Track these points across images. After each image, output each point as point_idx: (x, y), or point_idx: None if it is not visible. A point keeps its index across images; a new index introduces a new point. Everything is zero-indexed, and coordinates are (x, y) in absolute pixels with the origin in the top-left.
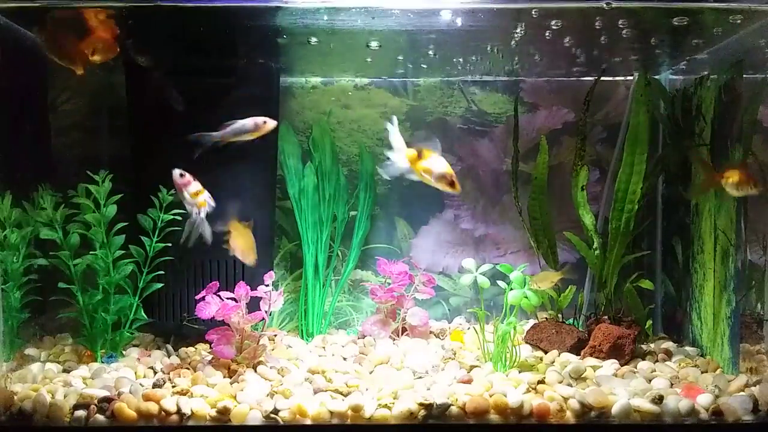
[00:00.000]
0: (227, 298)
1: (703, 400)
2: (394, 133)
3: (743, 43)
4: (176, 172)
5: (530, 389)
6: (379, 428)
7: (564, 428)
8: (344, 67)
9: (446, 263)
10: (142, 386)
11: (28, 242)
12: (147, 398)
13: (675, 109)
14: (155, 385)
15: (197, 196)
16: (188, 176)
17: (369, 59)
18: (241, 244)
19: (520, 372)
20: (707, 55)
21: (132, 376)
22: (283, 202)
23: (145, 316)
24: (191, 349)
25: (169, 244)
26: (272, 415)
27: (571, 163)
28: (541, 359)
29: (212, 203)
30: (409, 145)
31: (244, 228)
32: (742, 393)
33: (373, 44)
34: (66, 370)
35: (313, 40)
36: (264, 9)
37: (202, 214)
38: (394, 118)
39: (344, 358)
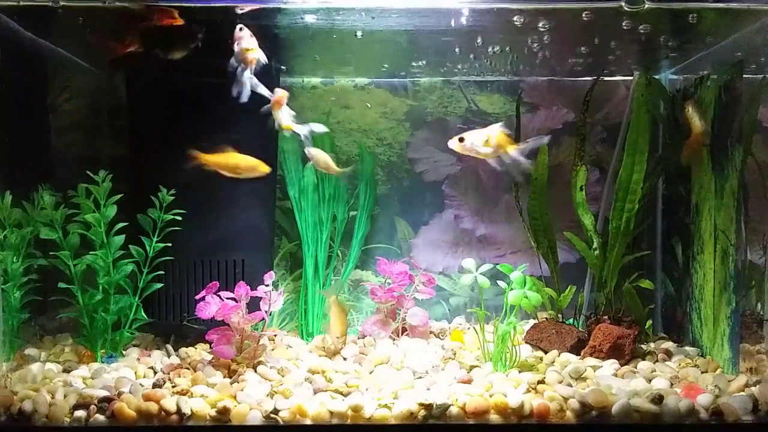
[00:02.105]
0: (227, 298)
1: (703, 400)
2: None
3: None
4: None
5: (530, 389)
6: (379, 428)
7: (564, 428)
8: (344, 67)
9: (446, 263)
10: (142, 386)
11: (28, 242)
12: (147, 398)
13: (675, 109)
14: (155, 385)
15: (247, 52)
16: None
17: (368, 59)
18: (335, 321)
19: (520, 372)
20: (708, 54)
21: (132, 376)
22: (283, 202)
23: (145, 316)
24: (191, 349)
25: (169, 244)
26: (272, 415)
27: (571, 163)
28: (541, 359)
29: (263, 59)
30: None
31: (341, 308)
32: (742, 393)
33: (374, 43)
34: (66, 370)
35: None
36: (264, 9)
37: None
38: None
39: (344, 358)
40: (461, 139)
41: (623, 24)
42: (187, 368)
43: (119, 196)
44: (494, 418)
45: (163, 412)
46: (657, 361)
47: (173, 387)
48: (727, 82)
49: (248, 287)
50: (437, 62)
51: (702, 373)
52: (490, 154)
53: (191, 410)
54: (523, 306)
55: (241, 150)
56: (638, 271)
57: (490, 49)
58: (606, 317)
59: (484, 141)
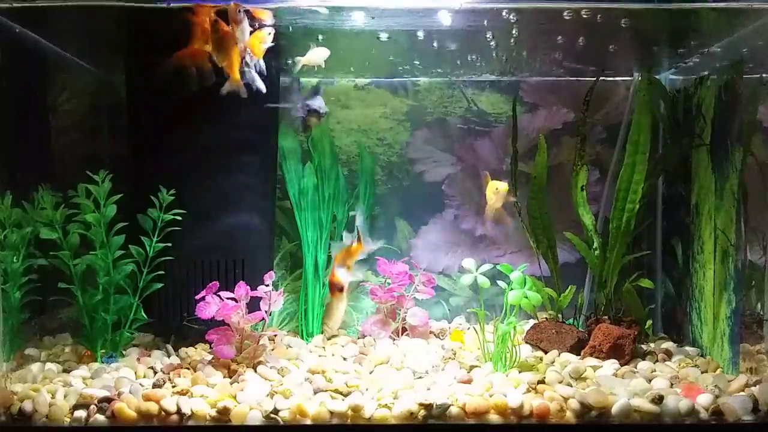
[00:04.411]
0: (227, 298)
1: (703, 400)
2: None
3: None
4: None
5: (530, 389)
6: (379, 428)
7: (564, 428)
8: (344, 67)
9: (446, 263)
10: (142, 386)
11: (28, 242)
12: (147, 398)
13: (675, 109)
14: (155, 385)
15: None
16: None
17: (369, 59)
18: (333, 309)
19: (520, 372)
20: (708, 54)
21: (132, 376)
22: (283, 202)
23: (145, 316)
24: (191, 349)
25: (169, 244)
26: (272, 415)
27: (571, 163)
28: (541, 359)
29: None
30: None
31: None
32: (742, 393)
33: (375, 44)
34: (66, 370)
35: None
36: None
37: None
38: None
39: (344, 358)
40: None
41: (622, 23)
42: (187, 368)
43: (119, 196)
44: (494, 418)
45: (163, 412)
46: (657, 361)
47: (173, 387)
48: (727, 82)
49: (248, 287)
50: (437, 62)
51: (702, 373)
52: None
53: (191, 410)
54: (523, 306)
55: (241, 149)
56: (638, 271)
57: (489, 49)
58: (606, 317)
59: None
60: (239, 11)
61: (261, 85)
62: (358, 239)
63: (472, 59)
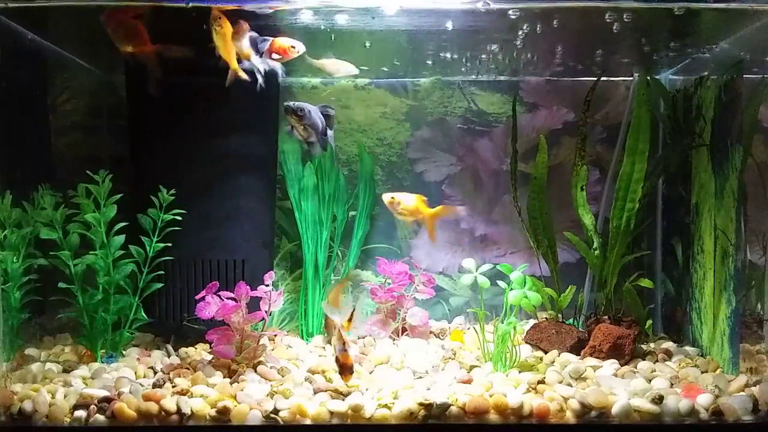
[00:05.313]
0: (227, 298)
1: (703, 400)
2: None
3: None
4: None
5: (530, 389)
6: (379, 428)
7: (564, 428)
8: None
9: (446, 263)
10: (142, 386)
11: (28, 242)
12: (147, 398)
13: (675, 109)
14: (155, 385)
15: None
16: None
17: (369, 58)
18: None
19: (520, 372)
20: (708, 54)
21: (132, 376)
22: (283, 202)
23: (145, 316)
24: (191, 349)
25: (169, 244)
26: (272, 415)
27: (571, 163)
28: (541, 359)
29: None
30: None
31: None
32: (742, 393)
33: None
34: (66, 370)
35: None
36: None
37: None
38: None
39: None
40: None
41: (624, 23)
42: (187, 368)
43: (119, 196)
44: (494, 418)
45: (163, 412)
46: (657, 361)
47: (173, 387)
48: (727, 82)
49: (248, 287)
50: (437, 62)
51: (702, 373)
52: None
53: (191, 410)
54: (523, 306)
55: (241, 149)
56: (638, 271)
57: (490, 49)
58: (606, 317)
59: None
60: (220, 17)
61: (275, 65)
62: (350, 319)
63: (473, 59)
